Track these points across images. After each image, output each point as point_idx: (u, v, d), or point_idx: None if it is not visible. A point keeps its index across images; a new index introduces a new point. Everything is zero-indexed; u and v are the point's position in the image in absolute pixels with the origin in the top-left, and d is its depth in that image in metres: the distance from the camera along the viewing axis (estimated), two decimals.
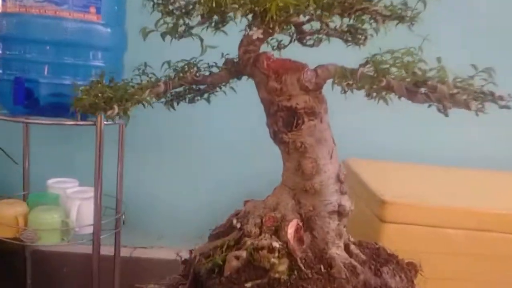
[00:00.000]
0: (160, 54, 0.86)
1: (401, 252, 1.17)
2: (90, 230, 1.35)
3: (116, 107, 0.68)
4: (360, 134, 1.74)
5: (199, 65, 0.87)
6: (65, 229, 1.34)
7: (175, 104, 0.96)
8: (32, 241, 1.30)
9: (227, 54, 0.88)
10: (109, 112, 0.68)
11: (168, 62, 0.82)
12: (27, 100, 1.24)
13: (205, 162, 1.88)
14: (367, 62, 0.80)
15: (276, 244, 0.74)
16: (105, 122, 1.34)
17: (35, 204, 1.40)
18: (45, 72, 1.32)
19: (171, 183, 1.91)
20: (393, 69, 0.74)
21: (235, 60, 0.86)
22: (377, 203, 1.17)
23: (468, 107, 0.65)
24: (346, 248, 0.83)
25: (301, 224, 0.78)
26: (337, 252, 0.78)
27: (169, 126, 1.78)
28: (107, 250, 1.59)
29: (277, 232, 0.77)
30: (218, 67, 0.86)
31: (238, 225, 0.82)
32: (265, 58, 0.81)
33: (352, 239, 0.87)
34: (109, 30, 1.38)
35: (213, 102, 0.95)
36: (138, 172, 1.84)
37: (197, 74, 0.81)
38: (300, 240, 0.77)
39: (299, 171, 0.79)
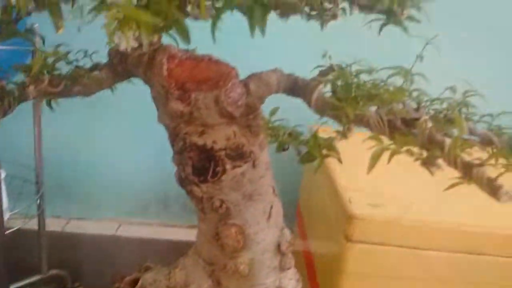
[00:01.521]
0: None
1: (371, 278, 0.94)
2: None
3: None
4: None
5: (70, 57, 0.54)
6: None
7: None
8: None
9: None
10: None
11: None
12: None
13: (144, 122, 1.57)
14: (330, 69, 0.50)
15: None
16: None
17: None
18: None
19: (108, 146, 1.61)
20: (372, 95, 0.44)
21: (125, 51, 0.54)
22: (343, 216, 0.91)
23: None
24: None
25: None
26: None
27: None
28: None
29: None
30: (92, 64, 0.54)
31: None
32: (166, 58, 0.49)
33: None
34: None
35: None
36: (67, 134, 1.54)
37: (54, 81, 0.49)
38: None
39: (218, 241, 0.51)
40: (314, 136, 0.35)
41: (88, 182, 1.66)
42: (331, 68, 0.50)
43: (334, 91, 0.47)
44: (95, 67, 0.57)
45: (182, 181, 0.51)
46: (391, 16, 0.37)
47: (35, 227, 1.39)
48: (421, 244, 0.90)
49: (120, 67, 0.53)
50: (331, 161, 1.08)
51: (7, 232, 1.15)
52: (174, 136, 0.51)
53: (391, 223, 0.88)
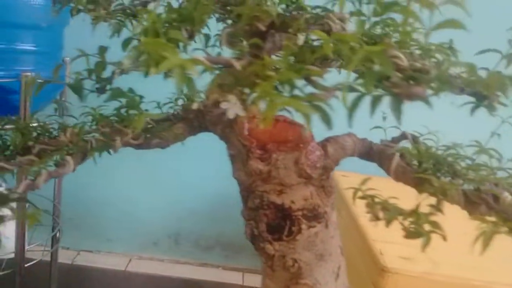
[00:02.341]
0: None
1: None
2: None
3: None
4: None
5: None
6: None
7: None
8: None
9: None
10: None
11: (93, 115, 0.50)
12: None
13: (162, 161, 1.59)
14: (402, 137, 0.52)
15: None
16: None
17: None
18: None
19: (124, 183, 1.63)
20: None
21: (201, 108, 0.56)
22: (375, 268, 0.91)
23: None
24: None
25: None
26: None
27: None
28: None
29: None
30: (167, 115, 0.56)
31: None
32: (247, 120, 0.52)
33: None
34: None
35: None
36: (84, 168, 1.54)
37: (135, 134, 0.50)
38: None
39: None
40: (416, 212, 0.37)
41: (100, 215, 1.66)
42: (403, 136, 0.53)
43: (403, 157, 0.49)
44: (166, 118, 0.59)
45: (254, 238, 0.52)
46: (483, 99, 0.40)
47: (47, 258, 1.38)
48: None
49: (196, 122, 0.55)
50: (358, 209, 1.09)
51: (27, 265, 1.15)
52: (249, 192, 0.52)
53: (422, 278, 0.89)
